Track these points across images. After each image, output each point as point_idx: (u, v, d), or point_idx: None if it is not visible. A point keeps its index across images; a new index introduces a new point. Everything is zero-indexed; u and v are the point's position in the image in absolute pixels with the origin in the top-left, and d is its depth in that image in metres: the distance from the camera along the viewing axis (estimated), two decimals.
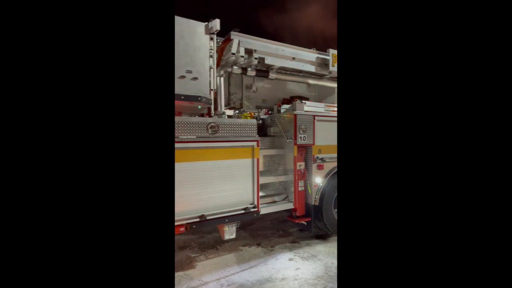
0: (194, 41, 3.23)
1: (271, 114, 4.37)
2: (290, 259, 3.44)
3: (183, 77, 3.13)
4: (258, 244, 3.92)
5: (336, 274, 3.06)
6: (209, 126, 3.09)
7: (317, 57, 4.52)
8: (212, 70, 3.37)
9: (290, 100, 4.70)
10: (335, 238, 4.11)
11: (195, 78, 3.23)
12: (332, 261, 3.36)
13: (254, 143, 3.42)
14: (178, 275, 3.07)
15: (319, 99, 5.22)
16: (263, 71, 4.18)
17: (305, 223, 3.99)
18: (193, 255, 3.60)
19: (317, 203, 3.93)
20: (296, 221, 3.92)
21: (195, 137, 3.02)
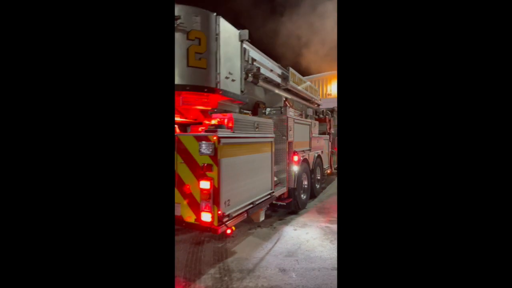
0: (234, 47, 3.59)
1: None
2: (295, 230, 4.40)
3: (227, 77, 3.44)
4: (259, 226, 4.58)
5: (331, 231, 4.35)
6: (255, 124, 3.56)
7: (282, 72, 5.66)
8: (241, 74, 3.80)
9: (258, 104, 5.56)
10: (304, 211, 5.42)
11: (233, 80, 3.59)
12: (319, 224, 4.63)
13: (272, 139, 4.13)
14: (232, 260, 3.33)
15: (271, 104, 6.35)
16: (255, 78, 4.85)
17: (285, 204, 5.04)
18: (220, 245, 3.81)
19: (295, 186, 5.08)
20: (285, 202, 4.89)
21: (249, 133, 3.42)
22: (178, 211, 3.00)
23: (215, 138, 2.76)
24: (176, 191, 3.00)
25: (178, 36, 2.95)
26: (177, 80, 2.96)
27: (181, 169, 2.95)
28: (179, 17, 2.81)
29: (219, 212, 2.79)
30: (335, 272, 2.98)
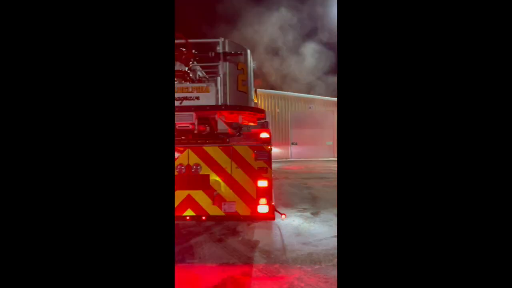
0: (251, 75, 4.52)
1: None
2: (283, 220, 5.52)
3: (252, 100, 4.33)
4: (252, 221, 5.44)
5: (307, 216, 5.72)
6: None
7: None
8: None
9: None
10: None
11: (254, 102, 4.50)
12: (294, 214, 5.93)
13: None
14: (262, 245, 4.15)
15: None
16: None
17: None
18: (239, 238, 4.49)
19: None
20: None
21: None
22: (233, 208, 3.63)
23: (269, 147, 3.63)
24: (231, 191, 3.63)
25: (231, 66, 3.68)
26: (231, 101, 3.67)
27: (236, 173, 3.62)
28: (242, 53, 3.56)
29: (273, 204, 3.65)
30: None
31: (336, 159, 21.49)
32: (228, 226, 5.12)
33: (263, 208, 3.61)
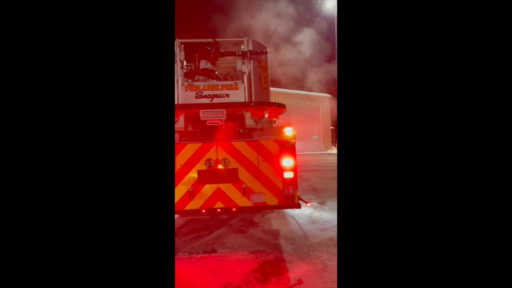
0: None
1: None
2: (293, 210, 5.82)
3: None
4: (266, 213, 5.68)
5: (316, 206, 6.05)
6: None
7: None
8: None
9: None
10: None
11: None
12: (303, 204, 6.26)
13: None
14: (284, 234, 4.40)
15: None
16: None
17: None
18: (259, 229, 4.72)
19: None
20: None
21: None
22: (261, 199, 3.85)
23: (293, 140, 3.87)
24: (259, 183, 3.83)
25: (254, 64, 3.86)
26: (256, 98, 3.85)
27: (263, 166, 3.83)
28: (266, 52, 3.74)
29: (298, 193, 3.90)
30: None
31: (322, 152, 22.27)
32: (244, 218, 5.33)
33: (289, 197, 3.85)
